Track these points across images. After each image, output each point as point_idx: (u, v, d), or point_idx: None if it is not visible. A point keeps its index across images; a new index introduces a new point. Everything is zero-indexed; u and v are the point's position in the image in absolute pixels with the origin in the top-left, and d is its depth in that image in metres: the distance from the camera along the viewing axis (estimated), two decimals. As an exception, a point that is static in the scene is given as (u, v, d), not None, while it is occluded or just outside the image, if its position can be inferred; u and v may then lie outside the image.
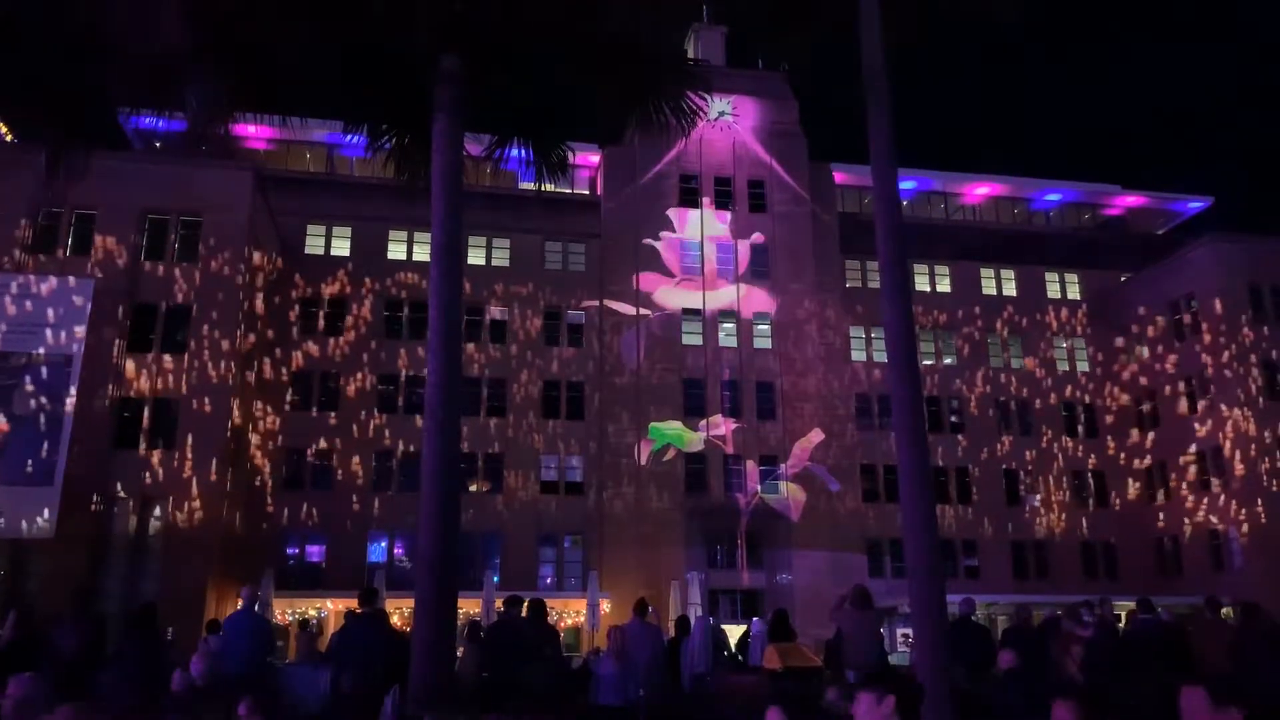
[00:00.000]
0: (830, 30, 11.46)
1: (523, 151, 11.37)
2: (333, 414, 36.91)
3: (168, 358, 31.45)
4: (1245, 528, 36.85)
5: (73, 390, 29.25)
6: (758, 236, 41.54)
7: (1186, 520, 39.60)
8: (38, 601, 22.42)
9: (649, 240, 40.51)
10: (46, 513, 28.03)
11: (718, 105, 39.96)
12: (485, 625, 14.74)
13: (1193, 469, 39.69)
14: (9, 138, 31.33)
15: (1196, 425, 39.51)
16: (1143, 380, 42.75)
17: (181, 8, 9.19)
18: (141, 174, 32.35)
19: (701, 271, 40.65)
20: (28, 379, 29.11)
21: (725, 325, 40.40)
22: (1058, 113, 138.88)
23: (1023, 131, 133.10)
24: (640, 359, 38.95)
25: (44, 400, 29.02)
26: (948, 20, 11.61)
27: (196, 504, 29.92)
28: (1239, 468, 37.30)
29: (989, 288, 44.81)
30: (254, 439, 35.09)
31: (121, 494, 30.14)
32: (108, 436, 30.32)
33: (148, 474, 30.32)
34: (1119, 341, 44.25)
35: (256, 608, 12.85)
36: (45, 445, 28.58)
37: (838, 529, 37.94)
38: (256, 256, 34.73)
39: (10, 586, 27.16)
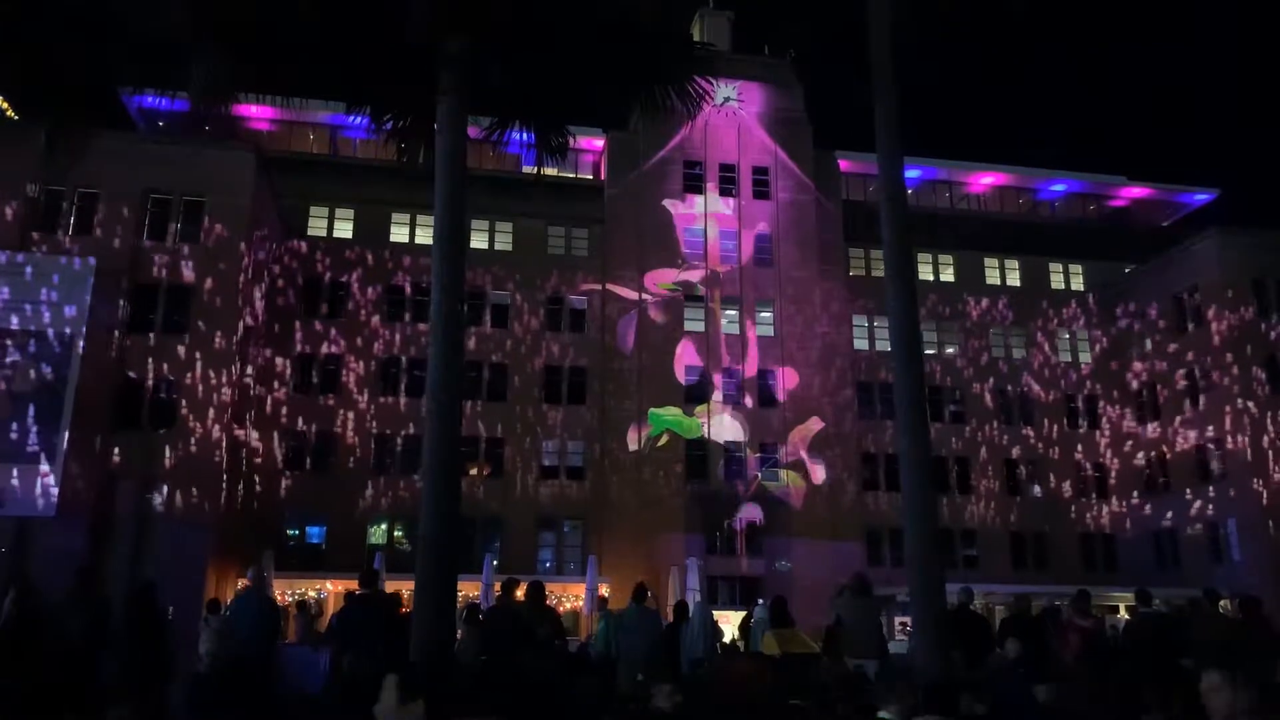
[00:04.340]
0: (837, 17, 11.40)
1: (524, 135, 11.30)
2: (334, 396, 36.94)
3: (169, 338, 31.43)
4: (1244, 521, 36.86)
5: (74, 369, 29.25)
6: (761, 224, 41.43)
7: (1186, 512, 39.60)
8: (37, 581, 22.46)
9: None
10: (48, 491, 28.09)
11: (723, 91, 39.76)
12: (484, 609, 14.80)
13: (1193, 461, 39.66)
14: (10, 114, 31.22)
15: (1198, 417, 39.46)
16: (1145, 372, 42.68)
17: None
18: (144, 154, 32.23)
19: (705, 257, 40.56)
20: (28, 357, 29.11)
21: (728, 312, 40.34)
22: (1064, 103, 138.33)
23: (1029, 121, 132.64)
24: (641, 344, 38.91)
25: (45, 379, 29.02)
26: (957, 10, 11.53)
27: (197, 484, 29.96)
28: (1239, 460, 37.27)
29: (993, 277, 44.70)
30: (255, 420, 35.11)
31: (122, 474, 30.18)
32: (109, 416, 30.34)
33: (148, 454, 30.33)
34: (1122, 333, 44.15)
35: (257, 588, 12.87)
36: (46, 424, 28.60)
37: (837, 517, 37.99)
38: (258, 237, 34.65)
39: (10, 565, 27.20)
